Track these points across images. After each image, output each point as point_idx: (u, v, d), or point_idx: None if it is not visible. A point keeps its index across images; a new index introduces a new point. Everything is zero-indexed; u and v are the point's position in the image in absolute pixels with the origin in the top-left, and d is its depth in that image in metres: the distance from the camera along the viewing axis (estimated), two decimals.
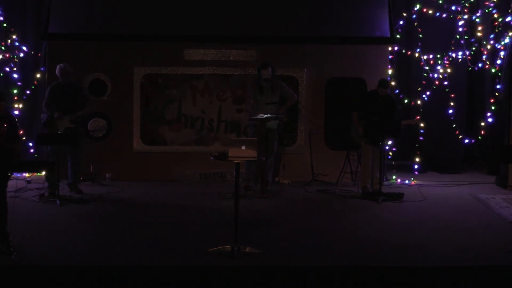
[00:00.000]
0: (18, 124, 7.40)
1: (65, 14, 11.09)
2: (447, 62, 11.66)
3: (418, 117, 11.29)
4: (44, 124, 9.49)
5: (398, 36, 11.62)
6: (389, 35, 11.18)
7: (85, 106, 9.59)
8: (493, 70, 11.50)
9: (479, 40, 11.62)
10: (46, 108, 9.49)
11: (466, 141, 11.85)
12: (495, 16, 11.37)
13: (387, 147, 11.26)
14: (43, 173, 9.86)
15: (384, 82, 9.78)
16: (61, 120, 9.35)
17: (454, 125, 11.81)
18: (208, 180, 10.96)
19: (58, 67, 9.59)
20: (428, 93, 11.71)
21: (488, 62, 11.53)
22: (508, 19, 11.00)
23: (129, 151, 11.11)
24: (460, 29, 11.59)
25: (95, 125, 10.98)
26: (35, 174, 10.65)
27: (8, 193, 6.87)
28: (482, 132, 11.58)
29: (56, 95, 9.44)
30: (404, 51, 11.80)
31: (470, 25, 11.74)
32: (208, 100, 11.24)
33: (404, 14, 11.76)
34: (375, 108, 9.75)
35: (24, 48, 11.32)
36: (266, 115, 9.75)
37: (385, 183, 10.48)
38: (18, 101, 11.17)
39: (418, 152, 11.69)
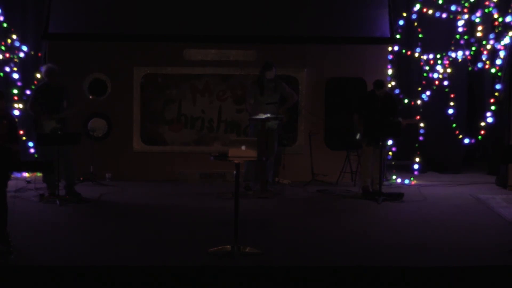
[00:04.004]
0: (17, 124, 7.40)
1: (65, 14, 11.09)
2: (447, 62, 11.66)
3: (418, 117, 11.29)
4: (34, 126, 9.38)
5: (398, 36, 11.62)
6: (389, 35, 11.18)
7: (71, 107, 9.48)
8: (493, 70, 11.49)
9: (479, 40, 11.61)
10: (30, 109, 9.38)
11: (466, 141, 11.83)
12: (495, 16, 11.36)
13: (387, 147, 11.26)
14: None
15: (378, 83, 9.73)
16: (48, 121, 9.21)
17: (454, 125, 11.81)
18: (208, 180, 10.95)
19: (46, 66, 9.46)
20: (428, 93, 11.71)
21: (488, 62, 11.52)
22: (508, 19, 10.99)
23: (129, 151, 11.11)
24: (460, 29, 11.59)
25: (95, 125, 10.97)
26: (35, 174, 10.64)
27: (8, 193, 6.87)
28: (482, 132, 11.56)
29: (43, 95, 9.30)
30: (404, 51, 11.80)
31: (470, 25, 11.73)
32: (208, 100, 11.24)
33: (404, 14, 11.76)
34: (374, 108, 9.75)
35: (24, 48, 11.31)
36: (266, 115, 9.76)
37: (385, 183, 10.47)
38: (18, 101, 11.15)
39: (418, 152, 11.69)
